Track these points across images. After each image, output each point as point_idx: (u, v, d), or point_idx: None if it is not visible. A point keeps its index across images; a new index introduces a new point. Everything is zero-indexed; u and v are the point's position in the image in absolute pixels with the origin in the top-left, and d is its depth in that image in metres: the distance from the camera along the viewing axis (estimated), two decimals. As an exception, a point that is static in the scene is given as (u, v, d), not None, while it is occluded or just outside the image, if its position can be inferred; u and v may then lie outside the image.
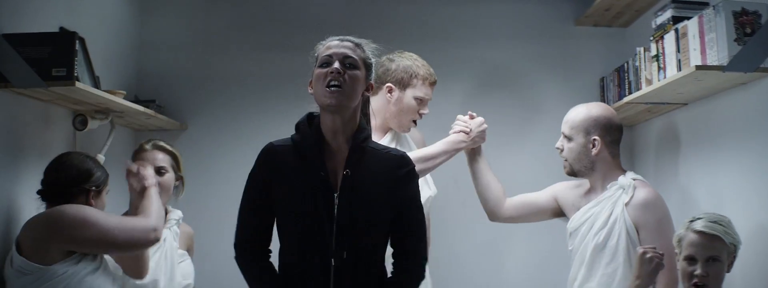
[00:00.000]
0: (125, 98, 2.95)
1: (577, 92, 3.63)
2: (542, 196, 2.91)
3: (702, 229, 2.26)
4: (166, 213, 2.74)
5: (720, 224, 2.27)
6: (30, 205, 2.42)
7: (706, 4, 2.71)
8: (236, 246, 2.14)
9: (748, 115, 2.60)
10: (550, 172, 3.03)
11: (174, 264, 2.65)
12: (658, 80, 2.84)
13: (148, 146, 2.72)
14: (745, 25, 2.44)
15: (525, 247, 3.62)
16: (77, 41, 2.54)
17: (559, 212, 2.88)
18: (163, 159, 2.70)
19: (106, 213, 2.35)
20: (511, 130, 3.65)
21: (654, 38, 2.91)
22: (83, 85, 2.52)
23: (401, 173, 2.12)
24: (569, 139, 2.72)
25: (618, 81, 3.40)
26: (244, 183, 2.15)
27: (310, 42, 2.20)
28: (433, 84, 2.86)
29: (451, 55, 3.60)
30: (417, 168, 2.22)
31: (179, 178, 2.76)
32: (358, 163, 2.08)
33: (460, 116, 2.87)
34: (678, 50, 2.70)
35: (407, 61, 2.84)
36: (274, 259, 2.15)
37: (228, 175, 3.30)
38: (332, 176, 2.07)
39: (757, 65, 2.41)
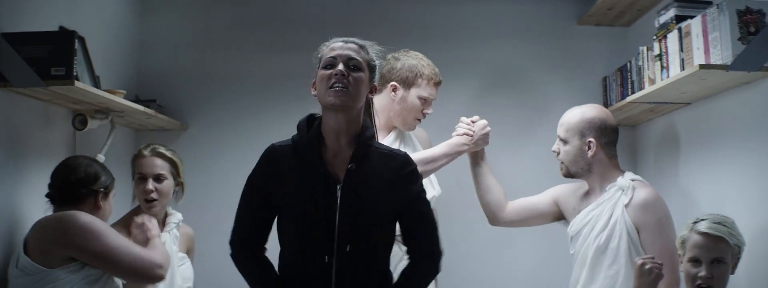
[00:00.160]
0: (125, 98, 2.94)
1: (580, 92, 3.62)
2: (543, 200, 2.89)
3: (706, 231, 2.24)
4: (166, 216, 2.74)
5: (724, 225, 2.26)
6: (30, 205, 2.42)
7: (710, 3, 2.69)
8: (232, 243, 2.13)
9: (752, 115, 2.58)
10: (552, 172, 2.99)
11: (174, 267, 2.64)
12: (661, 79, 2.83)
13: (146, 152, 2.68)
14: (749, 23, 2.43)
15: (528, 248, 3.60)
16: (77, 40, 2.53)
17: (559, 216, 2.87)
18: (161, 166, 2.67)
19: (120, 234, 2.35)
20: (514, 130, 3.64)
21: (657, 37, 2.90)
22: (83, 85, 2.51)
23: (404, 172, 2.11)
24: (565, 141, 2.71)
25: (621, 80, 3.39)
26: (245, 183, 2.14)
27: (311, 42, 2.19)
28: (437, 84, 2.85)
29: (451, 55, 3.58)
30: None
31: (179, 184, 2.74)
32: (363, 159, 2.07)
33: (463, 118, 2.85)
34: (681, 49, 2.68)
35: (413, 60, 2.82)
36: (274, 261, 2.13)
37: (228, 175, 3.28)
38: (334, 174, 2.06)
39: (761, 64, 2.39)
